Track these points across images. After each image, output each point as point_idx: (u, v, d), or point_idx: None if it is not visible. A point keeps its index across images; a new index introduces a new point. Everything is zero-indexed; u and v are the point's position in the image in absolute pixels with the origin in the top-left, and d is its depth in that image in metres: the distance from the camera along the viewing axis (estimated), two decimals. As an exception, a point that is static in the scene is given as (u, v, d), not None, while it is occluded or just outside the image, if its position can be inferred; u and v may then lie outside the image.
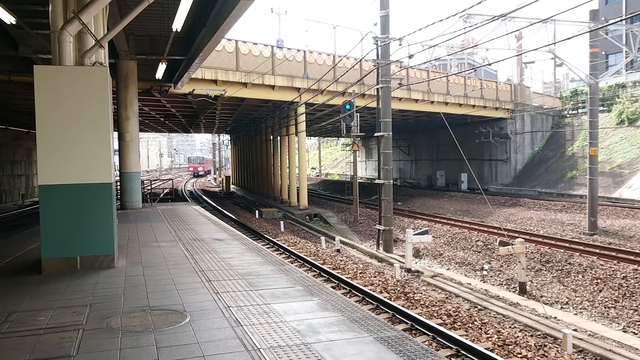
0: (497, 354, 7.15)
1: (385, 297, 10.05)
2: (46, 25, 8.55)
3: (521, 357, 7.41)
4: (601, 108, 31.87)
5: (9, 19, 10.38)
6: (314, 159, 77.13)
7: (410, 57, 17.08)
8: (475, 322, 8.96)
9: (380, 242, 18.42)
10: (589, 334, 9.45)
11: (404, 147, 48.66)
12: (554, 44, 14.21)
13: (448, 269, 16.19)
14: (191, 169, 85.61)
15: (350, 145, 30.88)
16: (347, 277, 11.84)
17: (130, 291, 6.33)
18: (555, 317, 10.54)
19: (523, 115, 37.32)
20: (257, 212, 26.28)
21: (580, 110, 38.20)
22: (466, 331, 8.44)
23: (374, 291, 10.58)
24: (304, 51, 26.16)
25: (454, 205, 31.15)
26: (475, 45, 16.64)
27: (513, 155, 36.87)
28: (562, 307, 12.02)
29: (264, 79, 24.05)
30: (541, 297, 12.66)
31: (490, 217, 25.47)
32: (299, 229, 23.36)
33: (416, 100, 30.77)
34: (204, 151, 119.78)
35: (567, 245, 16.90)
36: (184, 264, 8.01)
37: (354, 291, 10.69)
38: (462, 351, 7.25)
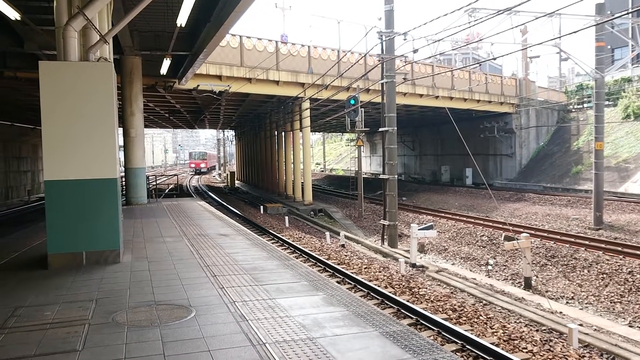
0: (502, 349, 7.15)
1: (390, 292, 10.05)
2: (51, 21, 8.56)
3: (527, 352, 7.40)
4: (607, 102, 31.63)
5: (14, 15, 10.41)
6: (319, 155, 77.13)
7: (415, 51, 17.03)
8: (481, 317, 8.96)
9: (385, 237, 18.41)
10: (595, 329, 9.43)
11: (409, 142, 48.55)
12: (560, 37, 14.11)
13: (453, 264, 16.17)
14: (192, 165, 74.70)
15: (354, 140, 30.88)
16: (352, 272, 11.85)
17: (135, 286, 6.35)
18: (561, 312, 10.52)
19: (528, 109, 37.16)
20: (261, 207, 26.31)
21: (585, 105, 38.03)
22: (471, 326, 8.43)
23: (379, 286, 10.59)
24: (308, 46, 26.09)
25: (458, 200, 31.10)
26: (480, 40, 16.55)
27: (518, 150, 36.73)
28: (567, 302, 11.99)
29: (268, 74, 24.01)
30: (546, 292, 12.63)
31: (495, 212, 25.42)
32: (304, 224, 23.38)
33: (421, 95, 30.66)
34: (208, 147, 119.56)
35: (573, 240, 16.84)
36: (189, 259, 8.03)
37: (359, 286, 10.70)
38: (467, 346, 7.25)
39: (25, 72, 17.29)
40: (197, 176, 67.37)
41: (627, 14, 23.56)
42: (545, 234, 18.04)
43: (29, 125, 34.47)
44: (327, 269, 12.39)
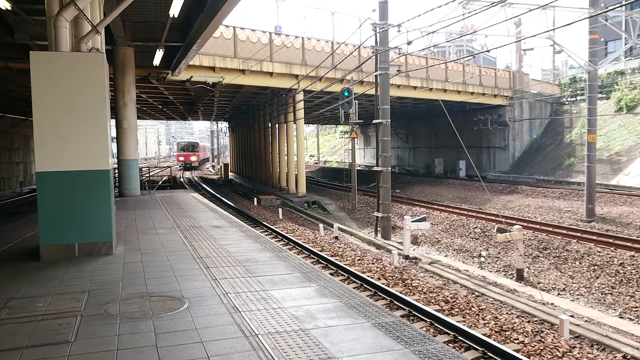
0: (494, 340, 7.20)
1: (383, 284, 10.09)
2: (42, 11, 8.47)
3: (518, 343, 7.46)
4: (600, 95, 31.78)
5: (5, 4, 10.28)
6: (313, 147, 77.06)
7: (409, 43, 16.94)
8: (473, 309, 9.02)
9: (379, 229, 18.46)
10: (586, 320, 9.51)
11: (403, 134, 48.59)
12: (553, 30, 14.12)
13: (446, 256, 16.24)
14: (181, 158, 62.30)
15: (348, 132, 30.86)
16: (345, 264, 11.88)
17: (128, 278, 6.34)
18: (552, 304, 10.60)
19: (522, 102, 37.23)
20: (255, 199, 26.28)
21: (578, 98, 38.13)
22: (463, 317, 8.49)
23: (372, 278, 10.62)
24: (303, 38, 25.97)
25: (452, 192, 31.18)
26: (474, 32, 16.55)
27: (511, 142, 36.84)
28: (559, 294, 12.08)
29: (262, 65, 23.90)
30: (538, 283, 12.72)
31: (488, 204, 25.52)
32: (298, 216, 23.38)
33: (415, 87, 30.64)
34: (201, 138, 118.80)
35: (565, 232, 16.95)
36: (182, 251, 8.02)
37: (352, 278, 10.73)
38: (459, 337, 7.29)
39: (16, 62, 17.13)
40: (187, 171, 58.85)
41: (621, 6, 23.60)
42: (538, 226, 18.14)
43: (21, 117, 34.19)
44: (320, 260, 12.41)
